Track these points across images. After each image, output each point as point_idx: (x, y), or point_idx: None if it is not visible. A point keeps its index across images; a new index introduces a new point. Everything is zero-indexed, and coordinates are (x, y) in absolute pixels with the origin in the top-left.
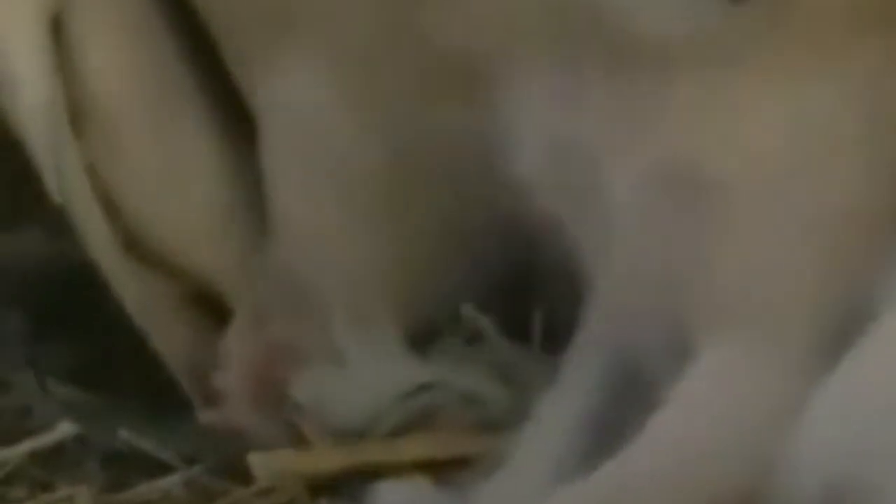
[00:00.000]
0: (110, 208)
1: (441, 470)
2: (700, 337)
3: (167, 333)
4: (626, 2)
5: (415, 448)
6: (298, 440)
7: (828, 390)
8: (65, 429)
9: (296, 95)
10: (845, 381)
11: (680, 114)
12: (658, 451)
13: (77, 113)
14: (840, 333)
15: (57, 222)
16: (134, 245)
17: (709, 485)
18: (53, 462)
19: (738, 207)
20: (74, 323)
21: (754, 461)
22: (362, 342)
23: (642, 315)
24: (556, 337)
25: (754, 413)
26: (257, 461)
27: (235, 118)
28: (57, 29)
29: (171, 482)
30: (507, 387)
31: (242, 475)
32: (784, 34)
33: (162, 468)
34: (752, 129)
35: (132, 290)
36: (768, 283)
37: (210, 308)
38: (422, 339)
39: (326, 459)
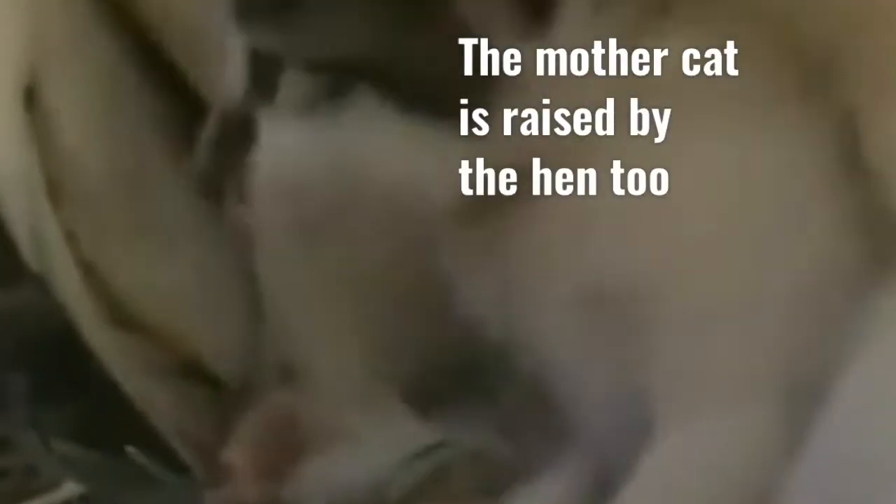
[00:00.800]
0: (92, 278)
1: None
2: (662, 419)
3: (156, 402)
4: None
5: None
6: None
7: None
8: (70, 488)
9: None
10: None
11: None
12: None
13: (54, 184)
14: (803, 395)
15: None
16: (119, 315)
17: None
18: None
19: (671, 306)
20: (75, 380)
21: None
22: (364, 413)
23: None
24: None
25: (718, 483)
26: None
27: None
28: (31, 100)
29: None
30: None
31: None
32: None
33: None
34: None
35: (116, 357)
36: (719, 362)
37: (200, 378)
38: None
39: None
